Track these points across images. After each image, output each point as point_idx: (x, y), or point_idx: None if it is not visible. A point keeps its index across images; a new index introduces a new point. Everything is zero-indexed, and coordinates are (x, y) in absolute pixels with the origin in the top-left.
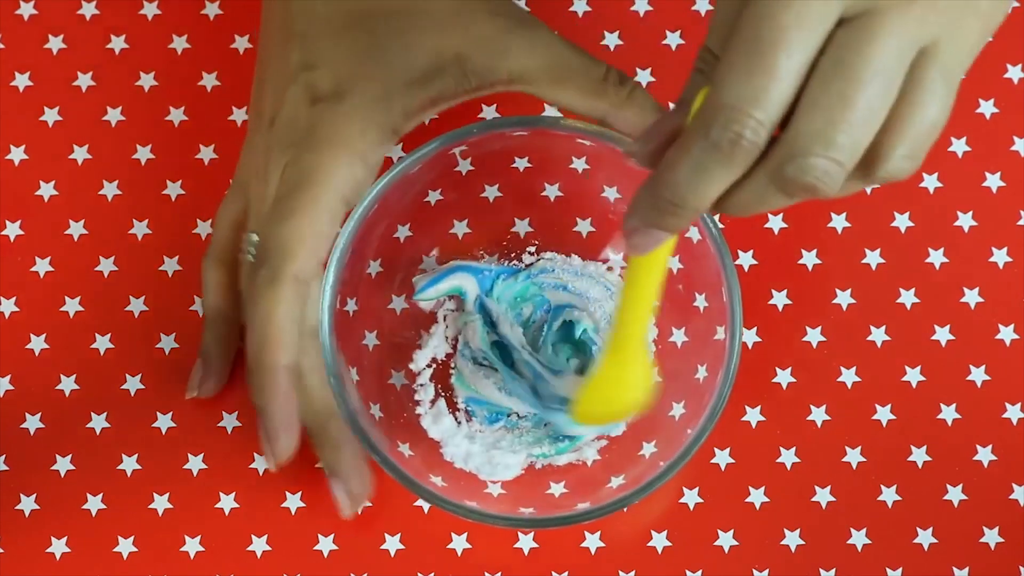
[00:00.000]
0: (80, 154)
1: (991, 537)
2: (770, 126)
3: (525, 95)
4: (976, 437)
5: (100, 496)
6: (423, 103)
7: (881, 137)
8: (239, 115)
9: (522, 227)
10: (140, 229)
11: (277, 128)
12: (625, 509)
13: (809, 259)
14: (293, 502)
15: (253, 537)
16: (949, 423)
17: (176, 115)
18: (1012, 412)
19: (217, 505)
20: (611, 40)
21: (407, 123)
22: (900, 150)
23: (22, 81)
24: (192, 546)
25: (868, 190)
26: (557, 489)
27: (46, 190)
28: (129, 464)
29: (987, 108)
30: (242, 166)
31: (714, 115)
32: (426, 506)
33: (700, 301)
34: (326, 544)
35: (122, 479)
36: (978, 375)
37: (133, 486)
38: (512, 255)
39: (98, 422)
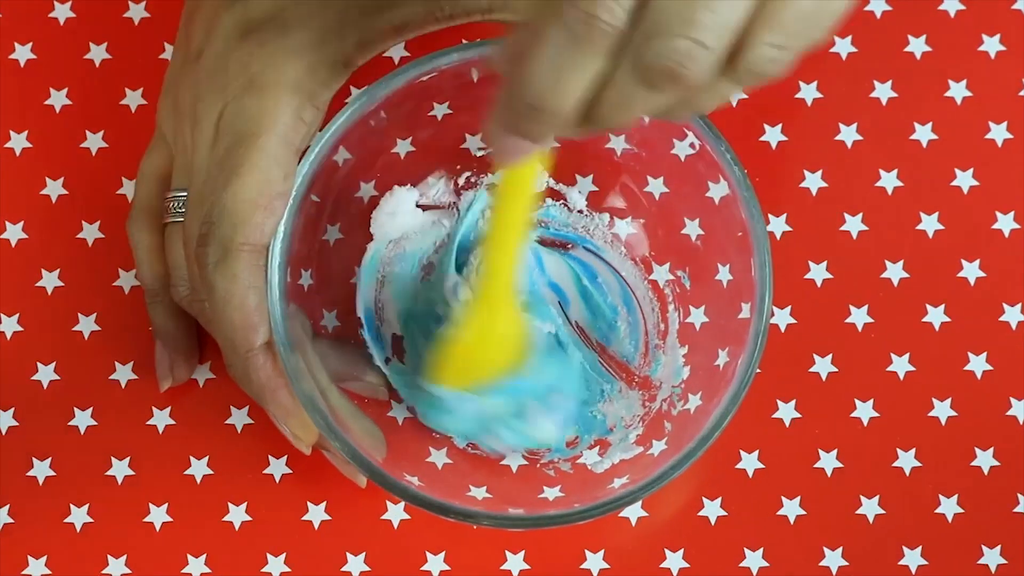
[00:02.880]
0: None
1: None
2: (627, 5)
3: (502, 27)
4: None
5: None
6: (384, 32)
7: (749, 24)
8: (172, 52)
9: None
10: (54, 189)
11: (206, 63)
12: (633, 519)
13: (853, 225)
14: (237, 516)
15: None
16: (1022, 420)
17: (97, 52)
18: None
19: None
20: None
21: (363, 55)
22: (768, 37)
23: None
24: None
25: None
26: (551, 493)
27: None
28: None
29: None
30: (163, 107)
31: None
32: (395, 520)
33: (723, 273)
34: (276, 565)
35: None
36: None
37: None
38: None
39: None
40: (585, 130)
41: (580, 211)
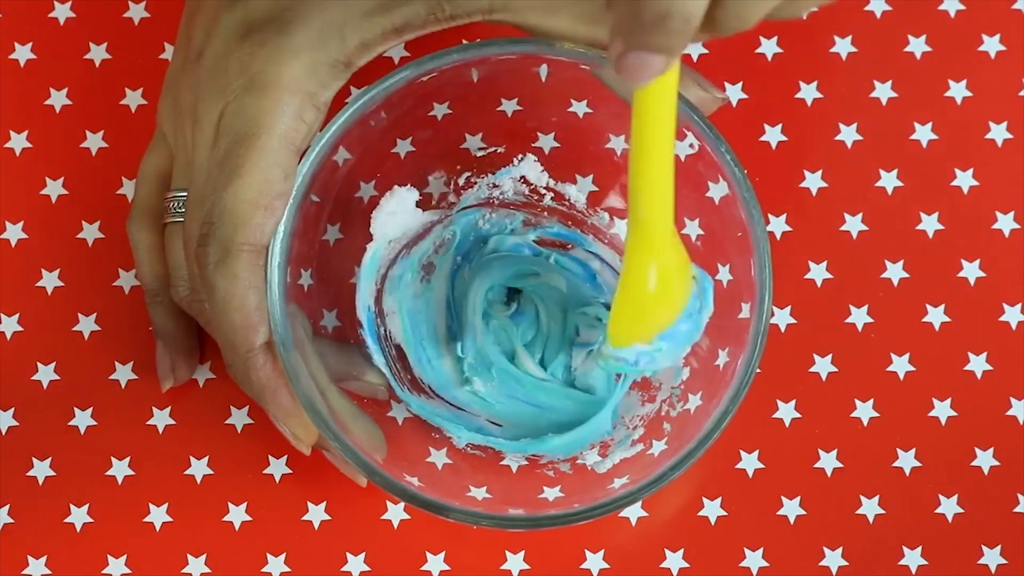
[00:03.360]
0: None
1: None
2: None
3: (507, 28)
4: None
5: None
6: (385, 33)
7: None
8: (172, 52)
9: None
10: (54, 189)
11: (206, 63)
12: (633, 519)
13: (853, 225)
14: (237, 516)
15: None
16: (1022, 420)
17: (97, 52)
18: None
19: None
20: None
21: (364, 55)
22: None
23: None
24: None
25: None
26: (551, 493)
27: None
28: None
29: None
30: (164, 107)
31: None
32: (395, 520)
33: (723, 273)
34: (276, 565)
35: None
36: None
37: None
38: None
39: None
40: (706, 36)
41: (580, 211)
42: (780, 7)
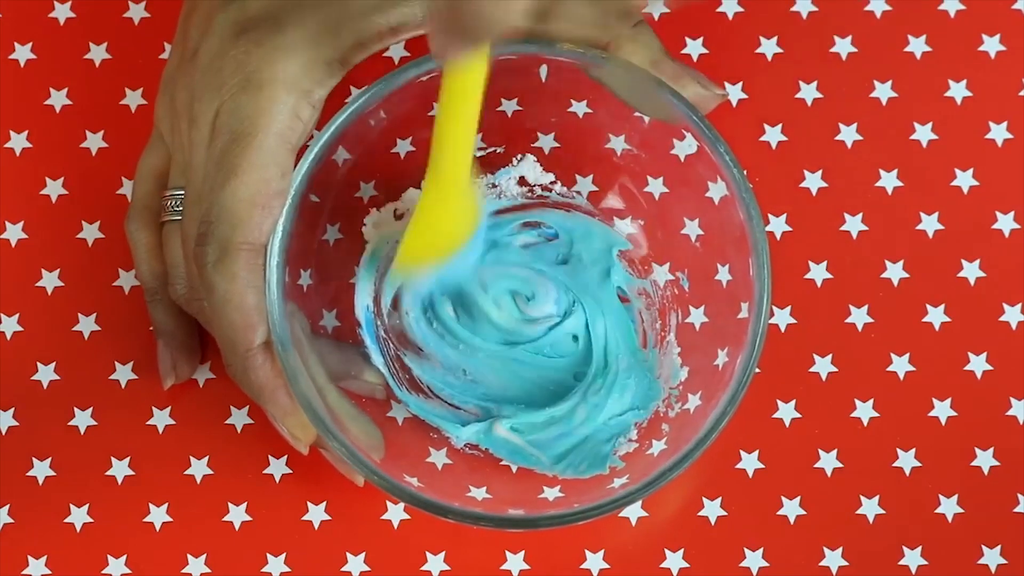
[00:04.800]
0: None
1: None
2: None
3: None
4: None
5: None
6: (381, 32)
7: None
8: (169, 51)
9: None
10: (54, 189)
11: (201, 62)
12: (633, 519)
13: (853, 225)
14: (237, 516)
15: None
16: (1022, 420)
17: (97, 52)
18: None
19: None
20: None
21: (359, 54)
22: None
23: None
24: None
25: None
26: (551, 493)
27: None
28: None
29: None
30: (160, 106)
31: None
32: (395, 520)
33: (723, 274)
34: (276, 565)
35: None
36: None
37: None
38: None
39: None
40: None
41: (585, 211)
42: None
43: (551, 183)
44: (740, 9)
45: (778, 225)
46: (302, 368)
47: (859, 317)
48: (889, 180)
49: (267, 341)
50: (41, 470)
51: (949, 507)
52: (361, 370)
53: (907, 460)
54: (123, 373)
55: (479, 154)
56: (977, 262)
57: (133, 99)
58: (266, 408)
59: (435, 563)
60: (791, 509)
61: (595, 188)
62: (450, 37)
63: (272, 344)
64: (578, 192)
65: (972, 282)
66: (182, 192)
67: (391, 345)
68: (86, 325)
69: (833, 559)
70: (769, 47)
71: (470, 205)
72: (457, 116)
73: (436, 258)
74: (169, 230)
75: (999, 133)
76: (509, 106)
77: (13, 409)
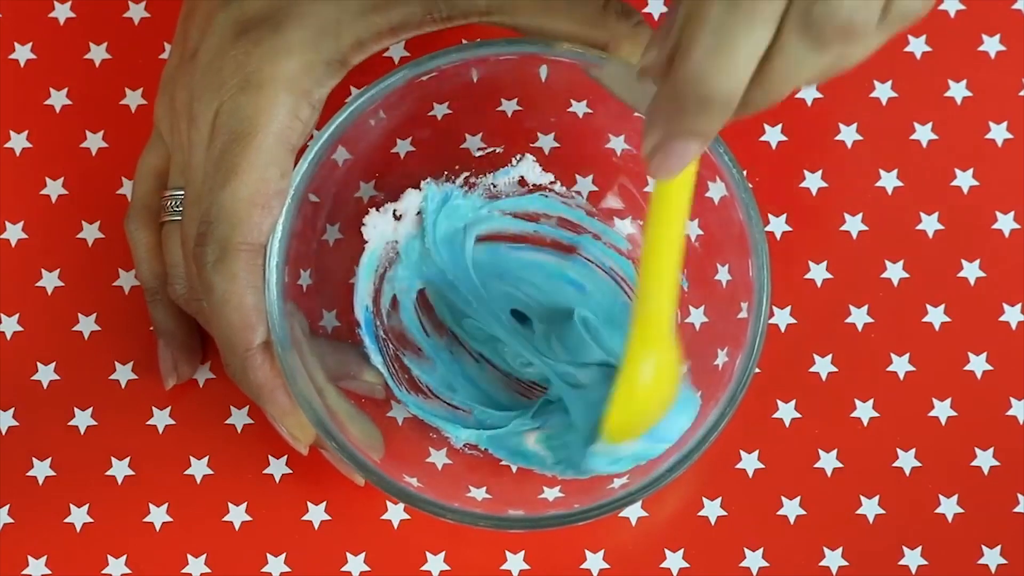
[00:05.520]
0: None
1: None
2: None
3: (503, 30)
4: None
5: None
6: (381, 32)
7: None
8: (169, 50)
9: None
10: (54, 189)
11: (201, 61)
12: (633, 519)
13: (854, 225)
14: (237, 516)
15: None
16: (1022, 420)
17: (97, 52)
18: None
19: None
20: None
21: (359, 54)
22: None
23: None
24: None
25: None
26: (551, 493)
27: None
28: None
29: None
30: (160, 106)
31: None
32: (395, 520)
33: (723, 274)
34: (276, 565)
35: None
36: None
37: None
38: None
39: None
40: (751, 110)
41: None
42: (823, 73)
43: (550, 183)
44: None
45: (778, 225)
46: (301, 368)
47: (859, 317)
48: (889, 180)
49: (266, 341)
50: (41, 470)
51: (949, 507)
52: (360, 370)
53: (907, 460)
54: (123, 373)
55: (478, 154)
56: (977, 262)
57: (133, 99)
58: (265, 408)
59: (435, 563)
60: (791, 509)
61: (595, 188)
62: (676, 143)
63: (271, 344)
64: (578, 192)
65: (972, 282)
66: (182, 192)
67: (390, 345)
68: (86, 325)
69: (833, 559)
70: None
71: (677, 355)
72: (673, 240)
73: (645, 426)
74: (169, 230)
75: (999, 133)
76: (509, 106)
77: (13, 409)
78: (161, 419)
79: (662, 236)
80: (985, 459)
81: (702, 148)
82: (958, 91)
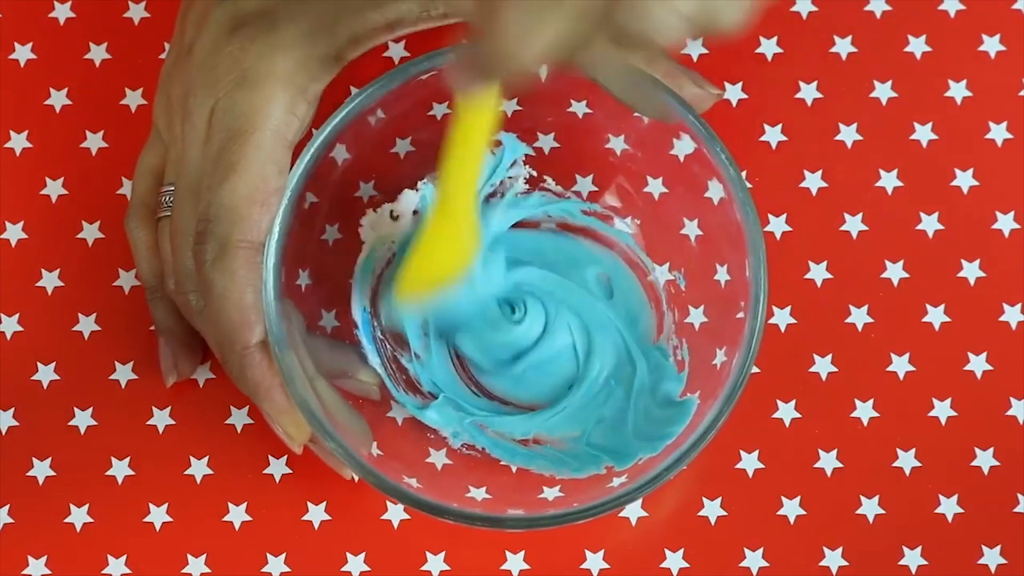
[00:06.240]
0: None
1: None
2: None
3: None
4: None
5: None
6: (377, 28)
7: None
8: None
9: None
10: (54, 189)
11: (196, 58)
12: (633, 519)
13: (854, 225)
14: (237, 516)
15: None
16: (1022, 420)
17: (97, 52)
18: None
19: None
20: None
21: (355, 50)
22: None
23: None
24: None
25: (924, 143)
26: (551, 493)
27: None
28: (84, 420)
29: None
30: (159, 103)
31: None
32: (395, 520)
33: (722, 273)
34: (276, 565)
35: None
36: None
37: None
38: None
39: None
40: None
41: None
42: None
43: (546, 184)
44: None
45: (778, 225)
46: (298, 368)
47: (859, 317)
48: (889, 180)
49: (264, 340)
50: (41, 470)
51: (949, 507)
52: (357, 370)
53: (907, 460)
54: (123, 373)
55: None
56: (977, 262)
57: (133, 99)
58: (262, 406)
59: (435, 563)
60: (791, 509)
61: (594, 188)
62: (469, 71)
63: (268, 343)
64: (577, 192)
65: (972, 282)
66: None
67: (387, 346)
68: (86, 325)
69: (833, 559)
70: (769, 47)
71: (473, 238)
72: (467, 148)
73: (436, 288)
74: (164, 226)
75: (999, 133)
76: (509, 106)
77: (13, 409)
78: (161, 419)
79: (462, 145)
80: (985, 459)
81: (491, 85)
82: (958, 91)
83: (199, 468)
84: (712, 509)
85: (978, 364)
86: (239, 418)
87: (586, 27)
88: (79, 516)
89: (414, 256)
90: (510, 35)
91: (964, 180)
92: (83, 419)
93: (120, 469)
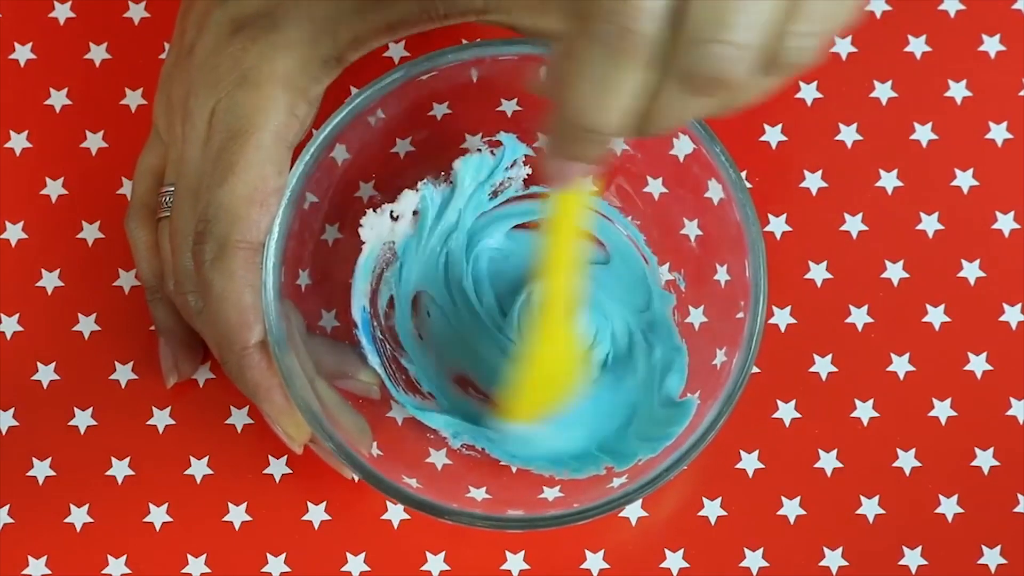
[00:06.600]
0: None
1: None
2: (657, 11)
3: (499, 30)
4: None
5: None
6: (378, 29)
7: (780, 17)
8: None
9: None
10: (54, 189)
11: (197, 58)
12: (633, 519)
13: (854, 225)
14: (237, 516)
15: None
16: (1022, 420)
17: (97, 52)
18: None
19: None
20: None
21: (356, 51)
22: (800, 27)
23: None
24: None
25: (923, 143)
26: (551, 493)
27: None
28: (83, 419)
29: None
30: (159, 104)
31: (595, 12)
32: (395, 520)
33: (721, 274)
34: (276, 565)
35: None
36: None
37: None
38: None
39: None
40: (636, 136)
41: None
42: (713, 111)
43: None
44: None
45: (778, 225)
46: (298, 369)
47: (859, 317)
48: (889, 180)
49: (263, 340)
50: (41, 470)
51: (949, 507)
52: (357, 370)
53: (907, 460)
54: (123, 373)
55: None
56: (977, 262)
57: (133, 99)
58: (261, 407)
59: (435, 563)
60: (791, 509)
61: (593, 188)
62: (555, 155)
63: (268, 343)
64: None
65: (972, 282)
66: None
67: (387, 346)
68: (86, 325)
69: (833, 559)
70: None
71: (579, 350)
72: (568, 243)
73: (546, 409)
74: (164, 226)
75: (999, 133)
76: (509, 106)
77: (13, 409)
78: (161, 419)
79: (561, 240)
80: (985, 459)
81: (588, 166)
82: (958, 91)
83: (199, 468)
84: (712, 509)
85: (978, 364)
86: (239, 418)
87: (655, 75)
88: (79, 516)
89: (528, 375)
90: (585, 97)
91: (964, 180)
92: (83, 419)
93: (120, 469)
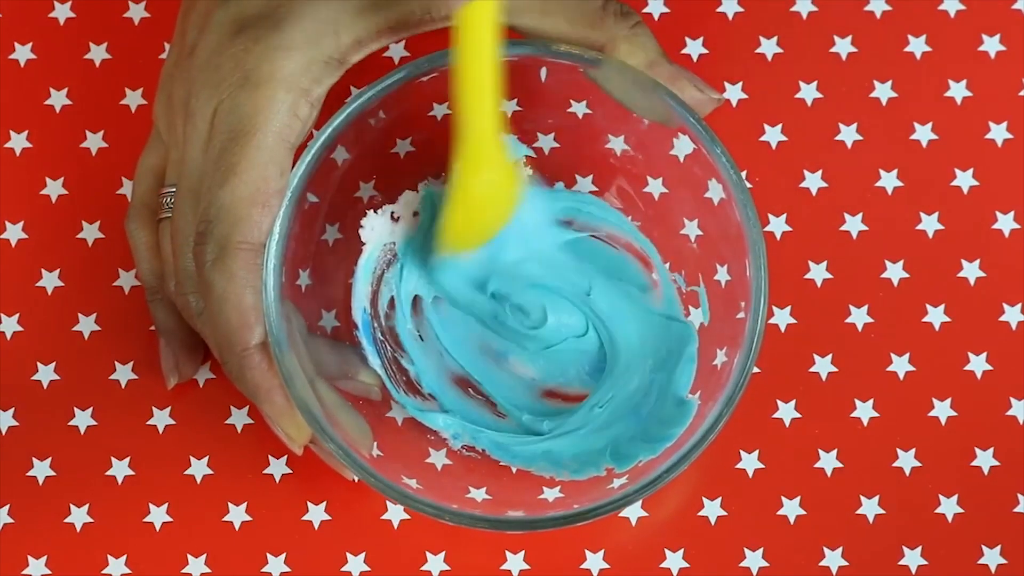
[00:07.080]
0: None
1: None
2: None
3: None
4: None
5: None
6: (379, 30)
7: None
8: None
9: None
10: (54, 189)
11: (199, 58)
12: (633, 519)
13: (854, 225)
14: (237, 516)
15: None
16: (1022, 420)
17: (97, 52)
18: None
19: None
20: None
21: (358, 52)
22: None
23: None
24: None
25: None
26: (551, 494)
27: None
28: (84, 420)
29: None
30: (159, 104)
31: None
32: (395, 520)
33: (722, 274)
34: (276, 565)
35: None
36: None
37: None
38: None
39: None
40: None
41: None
42: None
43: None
44: (740, 9)
45: (778, 225)
46: (299, 370)
47: (859, 317)
48: (889, 180)
49: (264, 341)
50: (41, 470)
51: (949, 507)
52: (357, 371)
53: (907, 460)
54: (123, 373)
55: None
56: (977, 262)
57: (133, 99)
58: (262, 408)
59: (435, 563)
60: (791, 509)
61: (594, 188)
62: None
63: (269, 344)
64: (577, 192)
65: (972, 282)
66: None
67: (388, 347)
68: (86, 325)
69: (833, 559)
70: (769, 47)
71: (510, 169)
72: (479, 63)
73: (487, 232)
74: (164, 227)
75: (999, 133)
76: (509, 106)
77: (13, 409)
78: (161, 419)
79: (475, 56)
80: (985, 459)
81: None
82: (958, 91)
83: (199, 468)
84: (712, 509)
85: (978, 364)
86: (239, 418)
87: None
88: (79, 516)
89: (452, 203)
90: None
91: (964, 180)
92: (83, 419)
93: (120, 469)
